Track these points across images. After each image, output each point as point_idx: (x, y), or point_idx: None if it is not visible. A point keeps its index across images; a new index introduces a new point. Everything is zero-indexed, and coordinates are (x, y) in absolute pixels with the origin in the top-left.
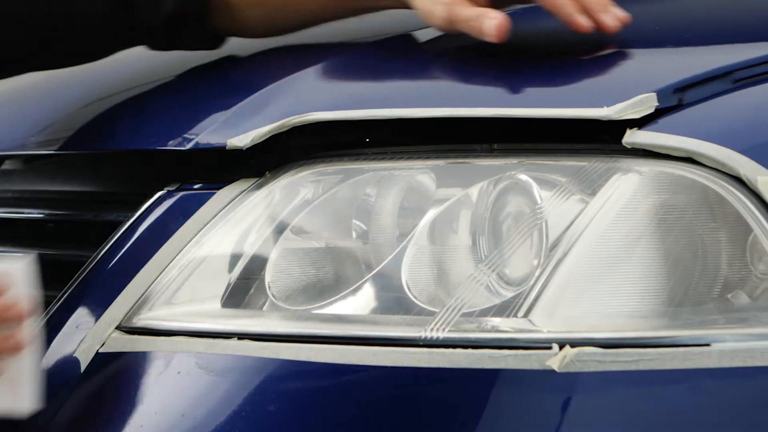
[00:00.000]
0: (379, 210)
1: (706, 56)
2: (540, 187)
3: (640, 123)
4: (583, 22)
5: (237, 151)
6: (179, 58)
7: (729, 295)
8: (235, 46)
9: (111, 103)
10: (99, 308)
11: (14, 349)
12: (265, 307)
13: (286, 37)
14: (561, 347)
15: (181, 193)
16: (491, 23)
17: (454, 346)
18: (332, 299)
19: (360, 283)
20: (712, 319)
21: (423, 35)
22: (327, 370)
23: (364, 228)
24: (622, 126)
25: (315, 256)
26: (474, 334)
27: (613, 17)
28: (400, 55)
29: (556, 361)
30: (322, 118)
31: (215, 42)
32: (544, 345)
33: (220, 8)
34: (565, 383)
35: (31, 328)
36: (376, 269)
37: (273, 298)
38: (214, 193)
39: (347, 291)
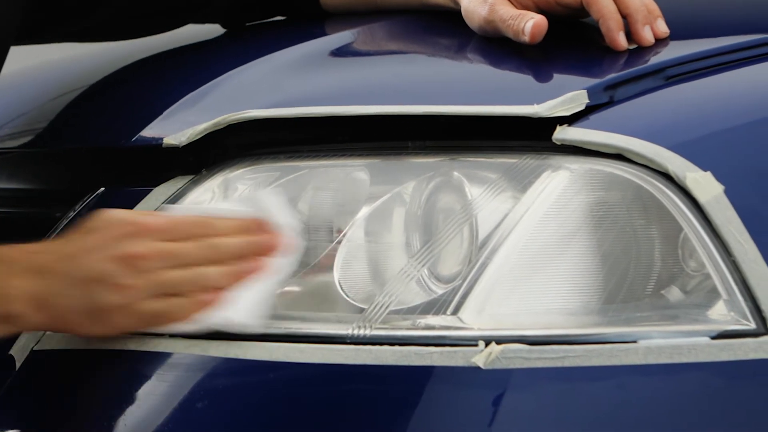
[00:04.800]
0: (314, 207)
1: (638, 53)
2: (471, 184)
3: (572, 120)
4: (621, 41)
5: (174, 149)
6: (121, 57)
7: (663, 291)
8: (176, 41)
9: (52, 103)
10: None
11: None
12: None
13: (223, 34)
14: (487, 344)
15: (118, 191)
16: (529, 24)
17: (381, 343)
18: None
19: (292, 280)
20: (642, 315)
21: (356, 35)
22: (255, 367)
23: (301, 225)
24: (553, 123)
25: None
26: (401, 332)
27: (651, 34)
28: (337, 54)
29: (481, 358)
30: (258, 116)
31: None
32: (471, 342)
33: None
34: (492, 380)
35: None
36: (308, 266)
37: None
38: (151, 190)
39: (279, 288)
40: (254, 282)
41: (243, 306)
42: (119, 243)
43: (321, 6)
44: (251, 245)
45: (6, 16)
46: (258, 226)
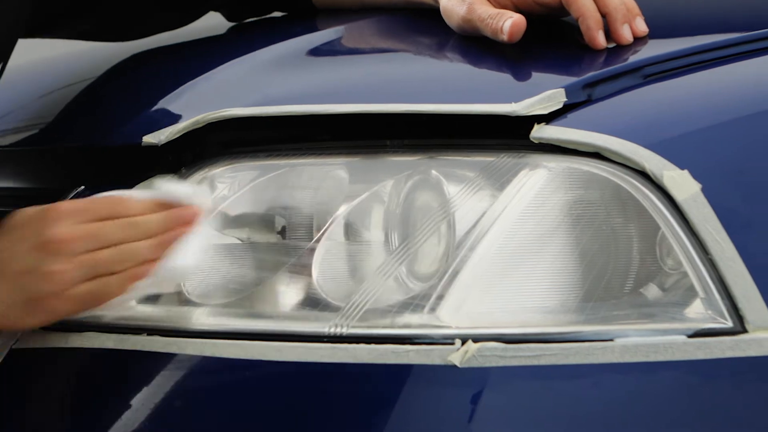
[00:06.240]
0: (293, 206)
1: (617, 52)
2: (449, 183)
3: (549, 118)
4: (600, 39)
5: (153, 147)
6: (102, 57)
7: (640, 290)
8: (157, 40)
9: (32, 102)
10: None
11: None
12: (176, 303)
13: (203, 32)
14: (464, 342)
15: (98, 189)
16: (507, 23)
17: (358, 342)
18: (242, 295)
19: (271, 278)
20: (620, 314)
21: (336, 34)
22: (232, 366)
23: (280, 224)
24: (531, 121)
25: (231, 252)
26: (378, 330)
27: (630, 33)
28: (316, 53)
29: (457, 356)
30: (237, 115)
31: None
32: (447, 340)
33: None
34: (469, 378)
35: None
36: (287, 265)
37: (186, 294)
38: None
39: (258, 287)
40: (183, 242)
41: (182, 254)
42: (40, 231)
43: (313, 3)
44: (169, 218)
45: (15, 9)
46: (169, 203)
